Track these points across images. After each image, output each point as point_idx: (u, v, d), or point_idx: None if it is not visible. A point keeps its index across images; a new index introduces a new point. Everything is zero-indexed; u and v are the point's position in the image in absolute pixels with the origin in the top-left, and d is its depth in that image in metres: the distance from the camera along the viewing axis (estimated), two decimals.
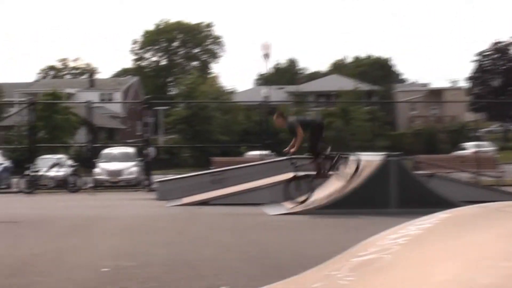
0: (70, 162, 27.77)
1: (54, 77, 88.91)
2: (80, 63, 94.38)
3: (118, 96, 69.17)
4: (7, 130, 48.59)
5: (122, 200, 19.50)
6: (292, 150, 14.02)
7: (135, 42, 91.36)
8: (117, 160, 28.34)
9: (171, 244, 9.14)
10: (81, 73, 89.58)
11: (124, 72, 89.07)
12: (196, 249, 8.55)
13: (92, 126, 32.33)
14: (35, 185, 24.03)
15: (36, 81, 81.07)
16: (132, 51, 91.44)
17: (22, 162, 27.50)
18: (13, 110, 57.22)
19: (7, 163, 28.70)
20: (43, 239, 9.84)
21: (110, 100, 67.48)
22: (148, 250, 8.52)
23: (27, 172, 24.66)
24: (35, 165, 25.09)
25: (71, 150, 36.30)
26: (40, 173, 24.97)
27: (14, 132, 42.87)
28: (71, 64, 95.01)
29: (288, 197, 14.12)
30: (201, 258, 7.81)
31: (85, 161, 29.00)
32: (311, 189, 14.14)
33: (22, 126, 37.11)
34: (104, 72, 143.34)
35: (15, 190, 24.80)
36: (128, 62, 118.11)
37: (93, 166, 27.62)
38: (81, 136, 42.45)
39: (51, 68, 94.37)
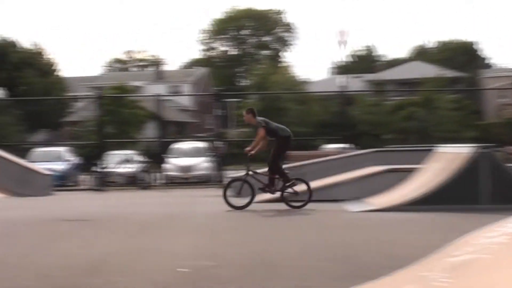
0: (139, 158, 28.31)
1: (120, 70, 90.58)
2: (147, 55, 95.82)
3: (187, 88, 70.00)
4: (74, 125, 49.88)
5: (195, 197, 19.79)
6: (249, 150, 14.18)
7: (203, 31, 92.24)
8: (188, 155, 28.78)
9: (249, 243, 9.25)
10: (148, 66, 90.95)
11: (193, 63, 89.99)
12: (275, 249, 8.63)
13: (161, 120, 32.86)
14: (105, 182, 24.61)
15: (102, 74, 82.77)
16: (201, 41, 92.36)
17: (90, 158, 28.23)
18: (79, 105, 58.63)
19: (76, 160, 29.52)
20: (117, 237, 10.10)
21: (178, 93, 68.36)
22: (226, 249, 8.64)
23: (96, 169, 25.29)
24: (103, 162, 25.70)
25: (140, 146, 37.00)
26: (109, 170, 25.55)
27: (81, 128, 43.93)
28: (138, 57, 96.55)
29: (228, 203, 14.09)
30: (282, 258, 7.88)
31: (155, 156, 29.55)
32: (252, 196, 14.05)
33: (89, 121, 38.00)
34: (172, 64, 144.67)
35: (84, 187, 25.48)
36: (196, 52, 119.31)
37: (163, 161, 28.10)
38: (149, 131, 43.22)
39: (117, 61, 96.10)
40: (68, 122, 55.96)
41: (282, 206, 14.26)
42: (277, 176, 14.23)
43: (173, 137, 42.64)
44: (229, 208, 14.17)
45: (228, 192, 14.25)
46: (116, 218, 13.10)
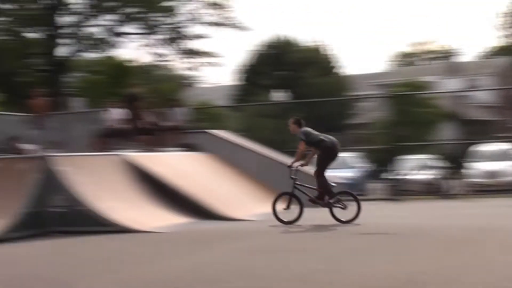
0: (437, 162, 28.00)
1: (408, 64, 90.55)
2: (437, 46, 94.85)
3: (486, 81, 68.11)
4: (360, 128, 50.64)
5: (506, 207, 19.13)
6: (292, 164, 14.93)
7: (502, 14, 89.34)
8: (493, 159, 27.92)
9: None
10: (440, 58, 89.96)
11: (493, 52, 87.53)
12: None
13: (459, 119, 32.30)
14: (399, 191, 24.60)
15: (388, 70, 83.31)
16: (500, 26, 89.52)
17: (381, 164, 28.42)
18: (365, 105, 59.42)
19: (366, 166, 29.93)
20: (426, 253, 9.98)
21: (477, 87, 66.77)
22: None
23: (388, 176, 25.39)
24: (397, 168, 25.72)
25: (435, 149, 36.61)
26: (404, 177, 25.51)
27: (369, 130, 44.43)
28: (427, 48, 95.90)
29: (277, 218, 14.73)
30: None
31: (453, 160, 29.03)
32: (300, 210, 14.68)
33: (378, 123, 38.30)
34: (468, 54, 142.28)
35: (376, 196, 25.66)
36: (496, 39, 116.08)
37: (465, 166, 27.54)
38: (446, 132, 42.63)
39: (404, 54, 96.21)
40: (353, 125, 56.89)
41: None
42: (324, 186, 14.61)
43: (474, 138, 41.63)
44: None
45: (277, 207, 14.79)
46: (420, 231, 13.02)
